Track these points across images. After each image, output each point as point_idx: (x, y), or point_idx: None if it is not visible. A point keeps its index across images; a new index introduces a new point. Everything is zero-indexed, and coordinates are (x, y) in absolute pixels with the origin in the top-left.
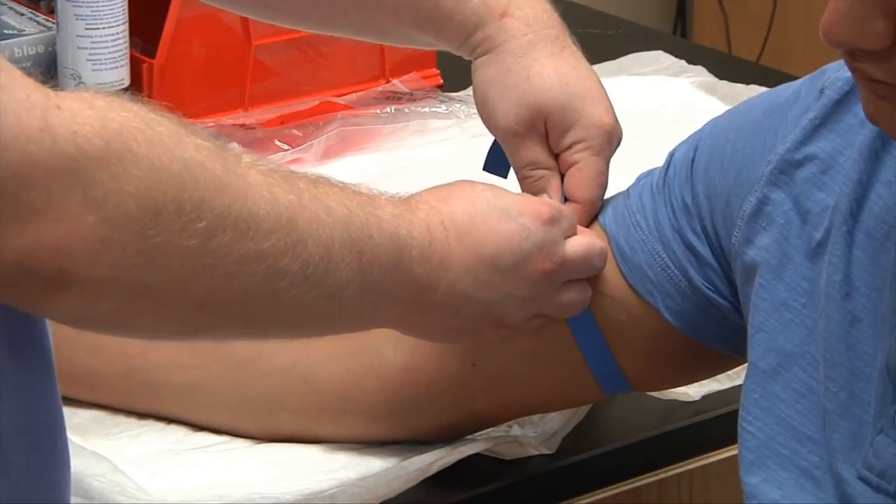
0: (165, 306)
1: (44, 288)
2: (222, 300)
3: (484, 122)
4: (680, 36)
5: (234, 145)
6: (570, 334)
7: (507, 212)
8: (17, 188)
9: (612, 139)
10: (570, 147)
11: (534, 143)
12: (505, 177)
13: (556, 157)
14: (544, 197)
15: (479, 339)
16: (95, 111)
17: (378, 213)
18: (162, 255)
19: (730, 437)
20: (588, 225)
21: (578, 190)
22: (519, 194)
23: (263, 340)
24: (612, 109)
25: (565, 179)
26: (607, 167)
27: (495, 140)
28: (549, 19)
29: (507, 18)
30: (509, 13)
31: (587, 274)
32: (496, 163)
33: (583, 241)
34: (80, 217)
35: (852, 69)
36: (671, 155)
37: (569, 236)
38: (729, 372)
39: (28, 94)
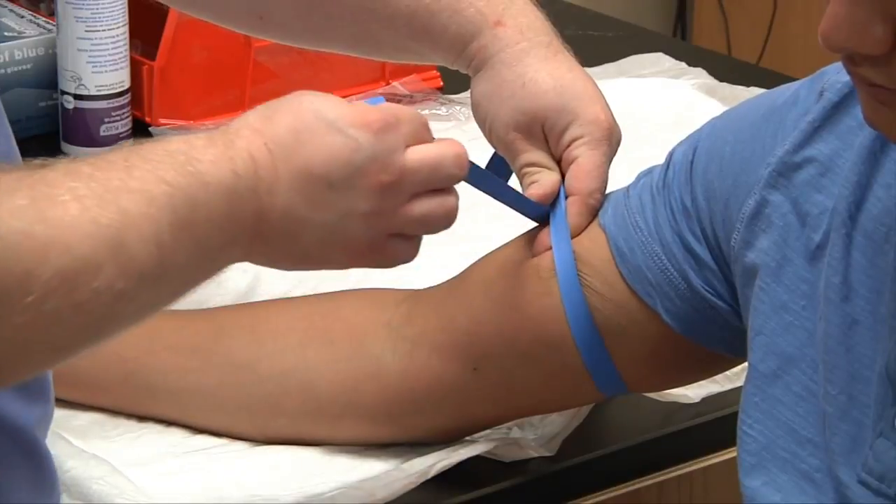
0: (9, 368)
1: None
2: (67, 342)
3: (486, 137)
4: (680, 38)
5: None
6: (570, 337)
7: (334, 124)
8: None
9: (610, 135)
10: (569, 145)
11: (533, 147)
12: None
13: (559, 162)
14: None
15: (331, 265)
16: None
17: (198, 168)
18: None
19: (730, 439)
20: (590, 220)
21: (576, 181)
22: (351, 104)
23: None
24: (609, 109)
25: (566, 176)
26: (606, 161)
27: (492, 158)
28: (542, 27)
29: (501, 27)
30: (503, 22)
31: (443, 183)
32: None
33: (430, 149)
34: None
35: (851, 74)
36: (670, 155)
37: (415, 143)
38: (728, 374)
39: None
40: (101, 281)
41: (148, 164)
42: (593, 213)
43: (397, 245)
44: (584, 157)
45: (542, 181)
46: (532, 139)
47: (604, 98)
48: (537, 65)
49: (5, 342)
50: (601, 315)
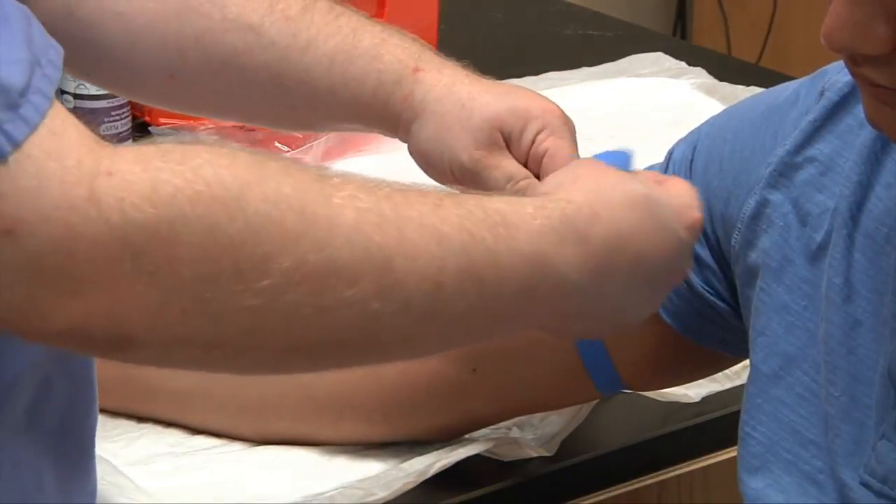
0: (246, 354)
1: (107, 348)
2: (311, 344)
3: (447, 181)
4: (680, 37)
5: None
6: None
7: (664, 220)
8: (60, 261)
9: (566, 122)
10: (533, 141)
11: (501, 157)
12: None
13: (526, 162)
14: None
15: (599, 334)
16: (150, 174)
17: (513, 232)
18: (226, 315)
19: (730, 439)
20: None
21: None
22: (668, 189)
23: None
24: (554, 102)
25: (541, 172)
26: (576, 148)
27: None
28: (455, 63)
29: (421, 72)
30: (420, 67)
31: None
32: None
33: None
34: (131, 286)
35: (854, 74)
36: (670, 153)
37: None
38: (728, 373)
39: (79, 159)
40: (354, 292)
41: (458, 210)
42: None
43: None
44: (554, 149)
45: None
46: (496, 149)
47: (543, 95)
48: (467, 88)
49: (238, 324)
50: None
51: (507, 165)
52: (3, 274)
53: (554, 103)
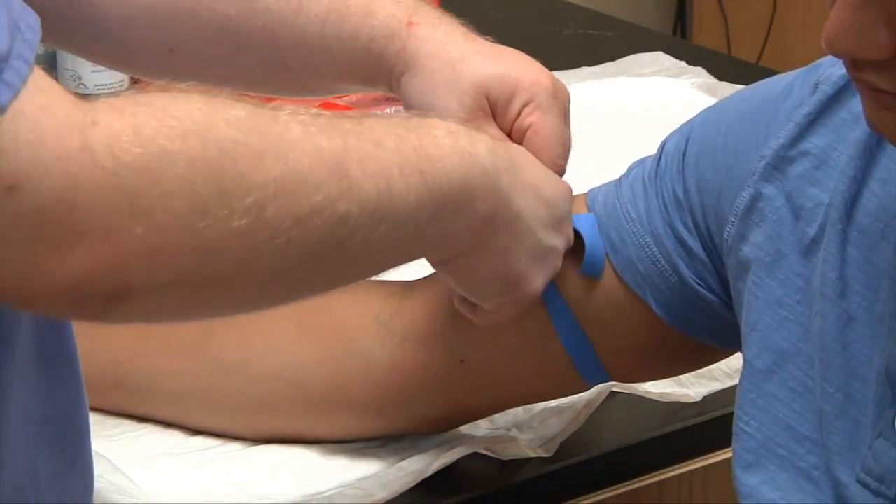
0: (234, 290)
1: (105, 304)
2: (291, 265)
3: None
4: (680, 37)
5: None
6: (552, 329)
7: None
8: (64, 213)
9: (556, 95)
10: (519, 113)
11: (485, 125)
12: None
13: (510, 134)
14: None
15: (500, 298)
16: (127, 119)
17: (433, 131)
18: (218, 245)
19: (730, 439)
20: None
21: (537, 151)
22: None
23: (343, 286)
24: (548, 71)
25: (524, 146)
26: (563, 123)
27: None
28: (451, 20)
29: (415, 27)
30: (415, 21)
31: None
32: None
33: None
34: (130, 230)
35: (855, 79)
36: (662, 145)
37: None
38: (729, 372)
39: (67, 113)
40: (321, 197)
41: (380, 120)
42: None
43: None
44: (539, 124)
45: None
46: (480, 115)
47: (538, 63)
48: (461, 48)
49: (229, 252)
50: (587, 306)
51: (489, 132)
52: (4, 234)
53: (548, 74)
